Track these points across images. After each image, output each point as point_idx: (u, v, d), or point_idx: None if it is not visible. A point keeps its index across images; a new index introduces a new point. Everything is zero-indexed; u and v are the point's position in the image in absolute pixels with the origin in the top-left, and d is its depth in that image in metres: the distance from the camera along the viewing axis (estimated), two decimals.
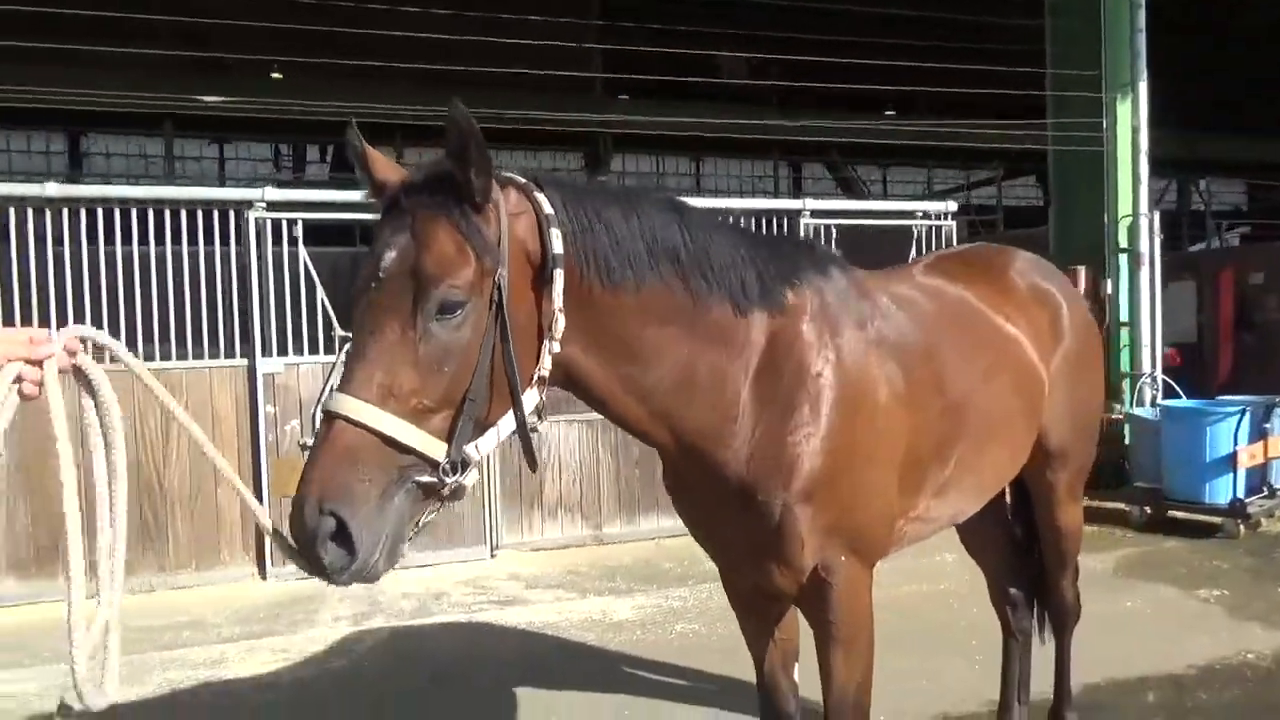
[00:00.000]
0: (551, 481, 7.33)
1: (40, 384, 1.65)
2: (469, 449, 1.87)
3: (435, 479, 1.83)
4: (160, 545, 6.35)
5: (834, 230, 7.99)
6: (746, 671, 4.01)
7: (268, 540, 6.34)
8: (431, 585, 6.38)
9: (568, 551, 7.14)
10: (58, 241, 6.27)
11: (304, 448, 6.52)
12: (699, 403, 2.26)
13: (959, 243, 8.60)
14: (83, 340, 1.74)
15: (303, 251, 6.63)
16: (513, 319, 1.92)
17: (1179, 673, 4.66)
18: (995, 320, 2.95)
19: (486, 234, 1.89)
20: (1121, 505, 7.95)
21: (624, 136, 22.18)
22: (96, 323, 6.15)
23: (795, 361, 2.36)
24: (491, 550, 7.07)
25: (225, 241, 6.59)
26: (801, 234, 7.86)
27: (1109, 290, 9.40)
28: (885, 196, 25.33)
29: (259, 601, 6.10)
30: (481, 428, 1.90)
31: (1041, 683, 3.86)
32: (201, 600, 6.10)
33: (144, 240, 6.38)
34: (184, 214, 6.46)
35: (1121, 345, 9.48)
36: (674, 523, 7.22)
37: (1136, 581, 6.25)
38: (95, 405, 1.73)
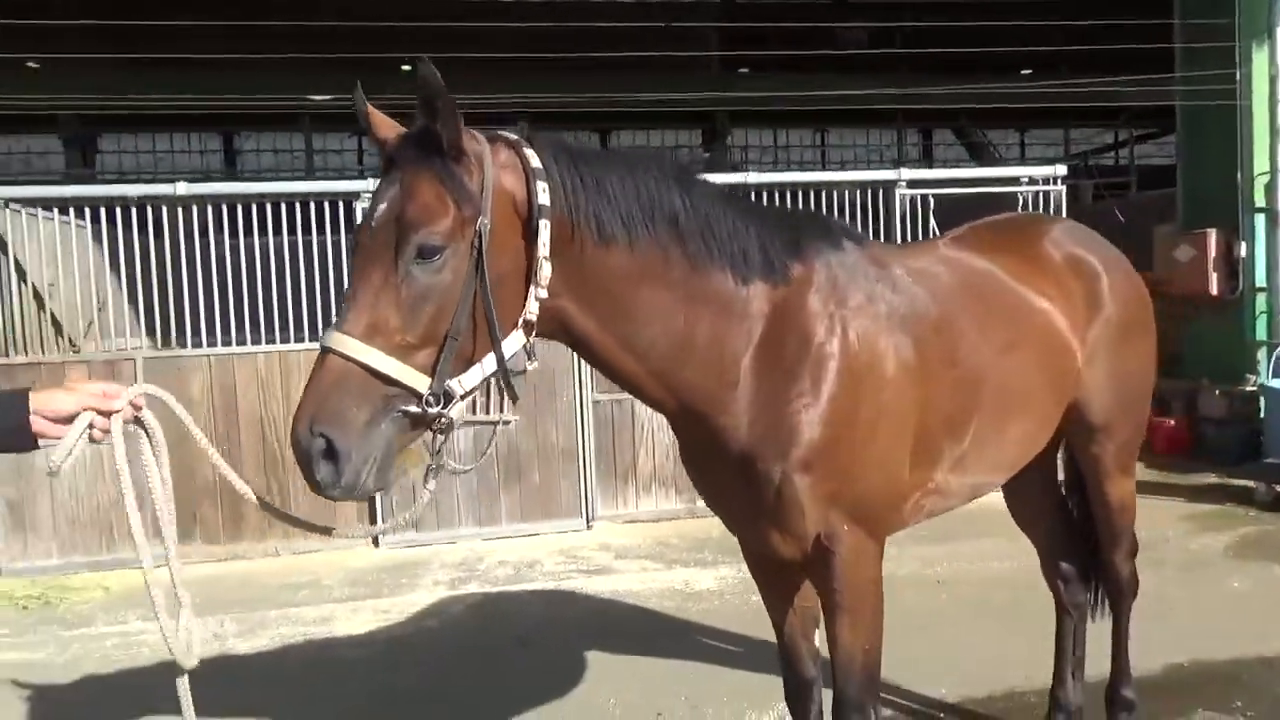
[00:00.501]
0: (646, 455, 7.51)
1: (107, 431, 1.92)
2: (451, 383, 2.01)
3: (420, 409, 1.99)
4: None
5: (931, 201, 7.80)
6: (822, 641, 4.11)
7: (380, 511, 6.85)
8: (527, 554, 6.69)
9: (660, 524, 7.31)
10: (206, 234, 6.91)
11: None
12: (696, 366, 2.36)
13: (1068, 209, 8.30)
14: (147, 395, 2.00)
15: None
16: (497, 265, 2.05)
17: (1274, 656, 4.44)
18: (1019, 291, 2.91)
19: (467, 184, 2.02)
20: (1249, 482, 7.50)
21: (744, 111, 22.02)
22: (240, 307, 7.06)
23: (799, 332, 2.43)
24: (587, 522, 7.32)
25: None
26: (899, 206, 7.76)
27: (1242, 253, 8.82)
28: (1023, 161, 24.25)
29: (369, 566, 6.55)
30: (465, 364, 2.04)
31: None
32: (319, 564, 6.60)
33: (291, 230, 6.91)
34: (327, 205, 6.96)
35: (1257, 312, 8.89)
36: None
37: (1248, 562, 5.93)
38: (152, 447, 1.98)
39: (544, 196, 2.11)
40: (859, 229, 7.65)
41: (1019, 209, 7.93)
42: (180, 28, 13.11)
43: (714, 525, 7.11)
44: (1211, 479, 8.11)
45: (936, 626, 5.04)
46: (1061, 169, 8.17)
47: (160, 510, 1.99)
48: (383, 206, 2.02)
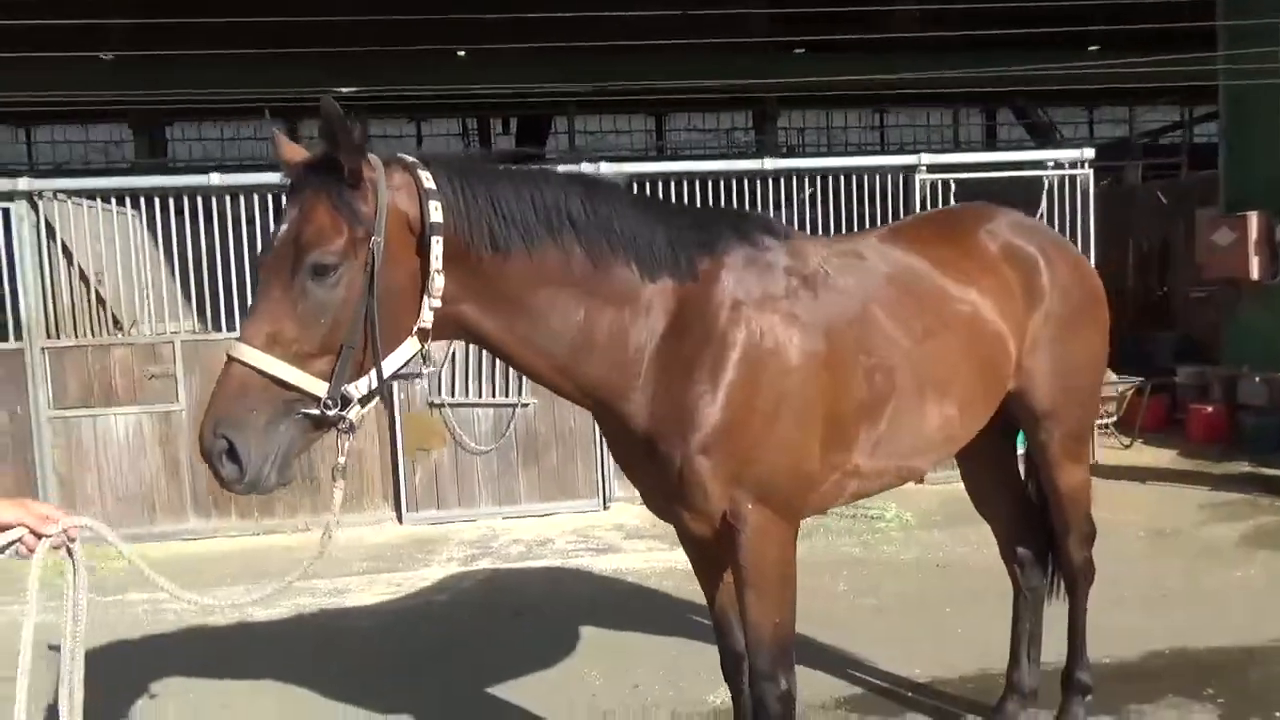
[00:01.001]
0: None
1: (33, 550, 1.95)
2: (348, 388, 2.20)
3: (319, 412, 2.18)
4: (313, 490, 7.22)
5: (953, 185, 7.76)
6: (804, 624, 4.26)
7: (404, 496, 7.13)
8: (542, 533, 6.90)
9: None
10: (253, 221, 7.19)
11: (432, 406, 7.21)
12: (599, 360, 2.52)
13: (1109, 192, 8.16)
14: (81, 527, 2.01)
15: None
16: (392, 279, 2.23)
17: (1258, 645, 4.41)
18: (942, 281, 2.98)
19: (360, 208, 2.20)
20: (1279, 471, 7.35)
21: (798, 91, 21.80)
22: None
23: (702, 325, 2.57)
24: (604, 502, 7.50)
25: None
26: (918, 192, 7.74)
27: None
28: (1091, 141, 23.59)
29: (390, 542, 6.84)
30: (359, 371, 2.23)
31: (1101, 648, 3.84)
32: (343, 540, 6.89)
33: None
34: None
35: None
36: None
37: (1260, 551, 5.84)
38: (74, 578, 2.00)
39: (436, 214, 2.28)
40: (880, 213, 7.71)
41: (1045, 193, 7.86)
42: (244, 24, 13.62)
43: None
44: (1245, 467, 7.95)
45: (929, 609, 5.11)
46: (1089, 152, 8.05)
47: (65, 638, 2.01)
48: (284, 227, 2.22)
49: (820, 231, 7.59)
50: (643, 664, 4.49)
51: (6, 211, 6.80)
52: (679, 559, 6.13)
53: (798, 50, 20.11)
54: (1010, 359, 3.10)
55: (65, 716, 1.99)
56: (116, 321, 7.43)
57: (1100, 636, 4.30)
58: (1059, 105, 23.82)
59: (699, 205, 7.28)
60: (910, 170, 7.84)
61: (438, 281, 2.29)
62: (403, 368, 2.35)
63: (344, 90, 16.98)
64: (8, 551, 1.95)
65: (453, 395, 7.18)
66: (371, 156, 2.29)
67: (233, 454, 2.13)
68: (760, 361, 2.57)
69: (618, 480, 7.57)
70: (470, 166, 2.47)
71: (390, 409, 7.21)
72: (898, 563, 5.95)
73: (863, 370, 2.76)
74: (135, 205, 7.28)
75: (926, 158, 7.89)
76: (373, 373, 2.25)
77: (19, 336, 6.88)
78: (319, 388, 2.18)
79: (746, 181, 7.63)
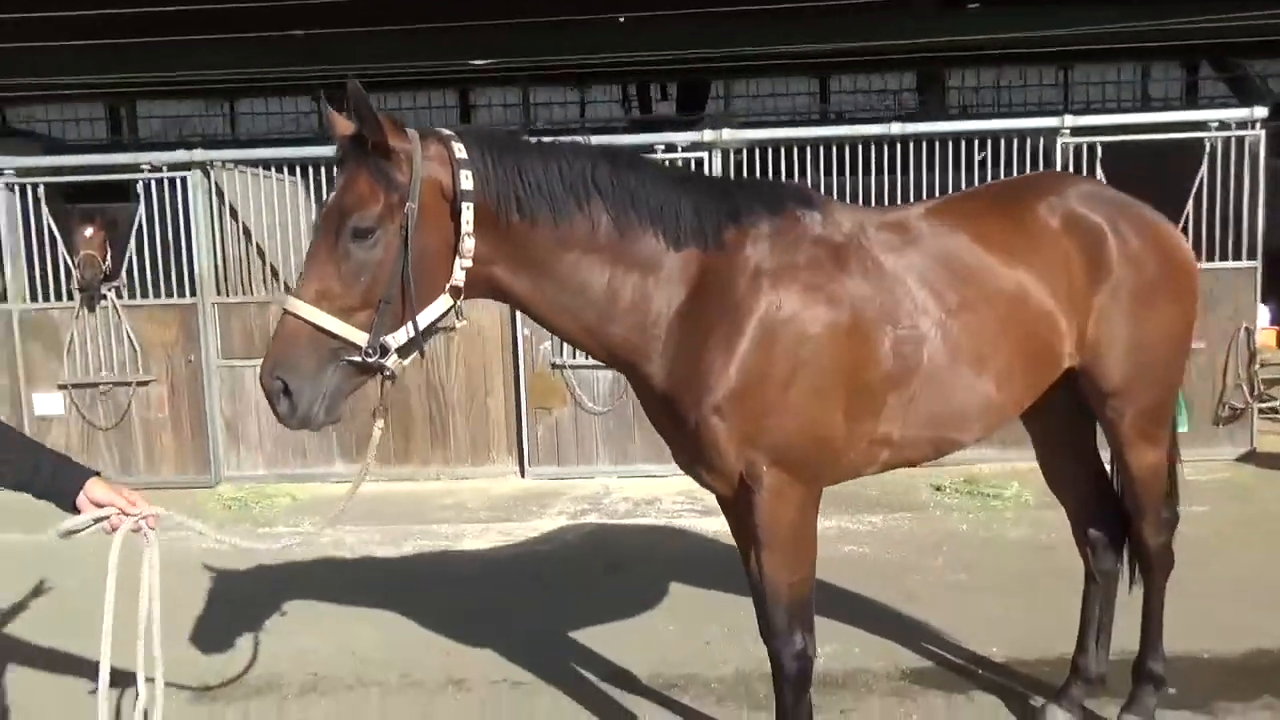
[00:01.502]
0: None
1: (116, 528, 2.30)
2: (387, 339, 2.45)
3: (361, 359, 2.44)
4: (445, 443, 7.70)
5: (1099, 150, 7.29)
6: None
7: (525, 450, 7.49)
8: (652, 491, 7.10)
9: None
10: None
11: (554, 366, 7.52)
12: (623, 323, 2.66)
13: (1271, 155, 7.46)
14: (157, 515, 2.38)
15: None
16: (426, 241, 2.45)
17: None
18: (983, 256, 2.90)
19: (395, 176, 2.42)
20: None
21: (968, 50, 20.72)
22: None
23: (723, 291, 2.65)
24: None
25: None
26: (1059, 156, 7.33)
27: None
28: None
29: (510, 494, 7.22)
30: (398, 323, 2.47)
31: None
32: (469, 490, 7.35)
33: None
34: None
35: None
36: None
37: None
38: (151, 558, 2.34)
39: (467, 183, 2.48)
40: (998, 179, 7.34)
41: (1207, 156, 7.28)
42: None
43: None
44: None
45: (1023, 589, 4.96)
46: (1260, 110, 7.35)
47: (141, 610, 2.35)
48: (331, 195, 2.48)
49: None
50: (718, 621, 4.60)
51: (184, 180, 7.56)
52: None
53: (972, 5, 19.10)
54: (1063, 336, 2.99)
55: (141, 673, 2.37)
56: (277, 279, 8.12)
57: (1204, 630, 4.13)
58: (1260, 58, 21.57)
59: (766, 176, 7.22)
60: (1051, 133, 7.42)
61: (468, 244, 2.49)
62: (437, 321, 2.56)
63: (511, 60, 17.66)
64: (96, 526, 2.31)
65: (574, 357, 7.44)
66: (409, 130, 2.50)
67: (287, 393, 2.42)
68: (776, 329, 2.63)
69: None
70: (501, 139, 2.64)
71: (515, 369, 7.60)
72: (1003, 541, 5.78)
73: (890, 341, 2.75)
74: (301, 173, 7.86)
75: (1069, 119, 7.42)
76: (409, 324, 2.48)
77: (193, 293, 7.65)
78: (360, 338, 2.44)
79: (866, 148, 7.45)
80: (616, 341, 2.71)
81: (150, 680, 2.38)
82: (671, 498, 6.94)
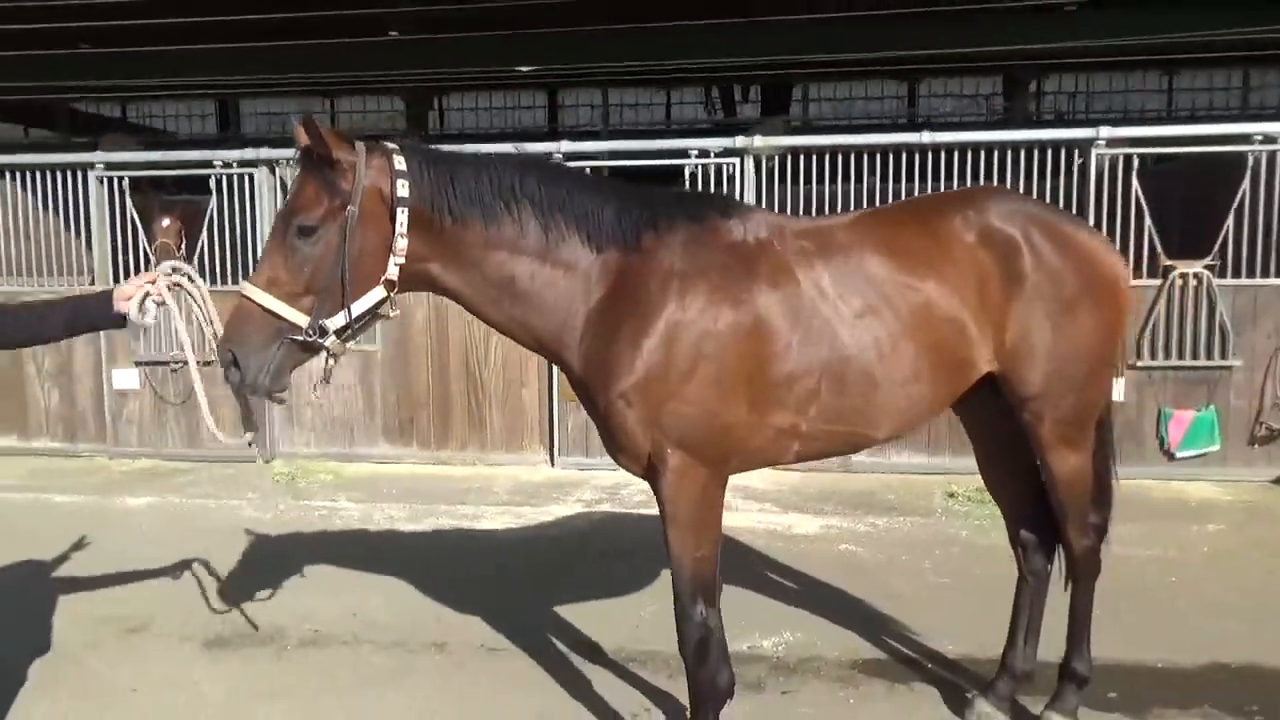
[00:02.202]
0: None
1: (159, 297, 3.01)
2: (325, 322, 2.83)
3: (303, 338, 2.82)
4: (481, 431, 8.11)
5: (1135, 161, 7.22)
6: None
7: (556, 440, 7.83)
8: None
9: (812, 474, 7.59)
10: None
11: None
12: (549, 318, 2.98)
13: None
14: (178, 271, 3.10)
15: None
16: (364, 240, 2.83)
17: None
18: (892, 267, 3.09)
19: (339, 184, 2.79)
20: None
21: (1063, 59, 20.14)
22: None
23: (635, 290, 2.94)
24: None
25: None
26: (1093, 168, 7.30)
27: None
28: None
29: (536, 481, 7.58)
30: (336, 308, 2.84)
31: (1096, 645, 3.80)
32: (500, 475, 7.73)
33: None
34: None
35: None
36: (923, 459, 7.39)
37: None
38: (200, 297, 3.10)
39: (403, 191, 2.84)
40: (1050, 194, 7.33)
41: (1249, 170, 7.15)
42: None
43: (860, 481, 7.50)
44: None
45: (1000, 595, 4.91)
46: None
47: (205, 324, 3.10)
48: (286, 199, 2.86)
49: None
50: None
51: (252, 176, 8.16)
52: (783, 522, 6.41)
53: (1068, 7, 18.63)
54: (974, 343, 3.15)
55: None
56: None
57: (1169, 641, 4.27)
58: None
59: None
60: (1086, 144, 7.39)
61: (401, 243, 2.84)
62: (371, 310, 2.91)
63: (596, 65, 18.00)
64: (149, 305, 3.00)
65: None
66: (358, 144, 2.86)
67: (236, 364, 2.82)
68: (681, 326, 2.89)
69: None
70: (438, 153, 2.98)
71: (549, 363, 7.92)
72: (998, 549, 5.75)
73: (794, 342, 2.98)
74: None
75: (1105, 130, 7.38)
76: (345, 311, 2.86)
77: None
78: (302, 320, 2.82)
79: (897, 155, 7.55)
80: (541, 333, 3.02)
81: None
82: None
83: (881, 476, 7.57)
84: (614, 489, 7.31)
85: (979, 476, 7.15)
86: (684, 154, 7.74)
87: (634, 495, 7.12)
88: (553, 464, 8.04)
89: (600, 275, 2.97)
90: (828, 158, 7.65)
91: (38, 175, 8.46)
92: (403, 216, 2.84)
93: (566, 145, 7.91)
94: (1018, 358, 3.22)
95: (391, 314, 2.98)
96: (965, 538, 6.06)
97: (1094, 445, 3.55)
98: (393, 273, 2.88)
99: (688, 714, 3.31)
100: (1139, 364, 7.32)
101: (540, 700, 3.93)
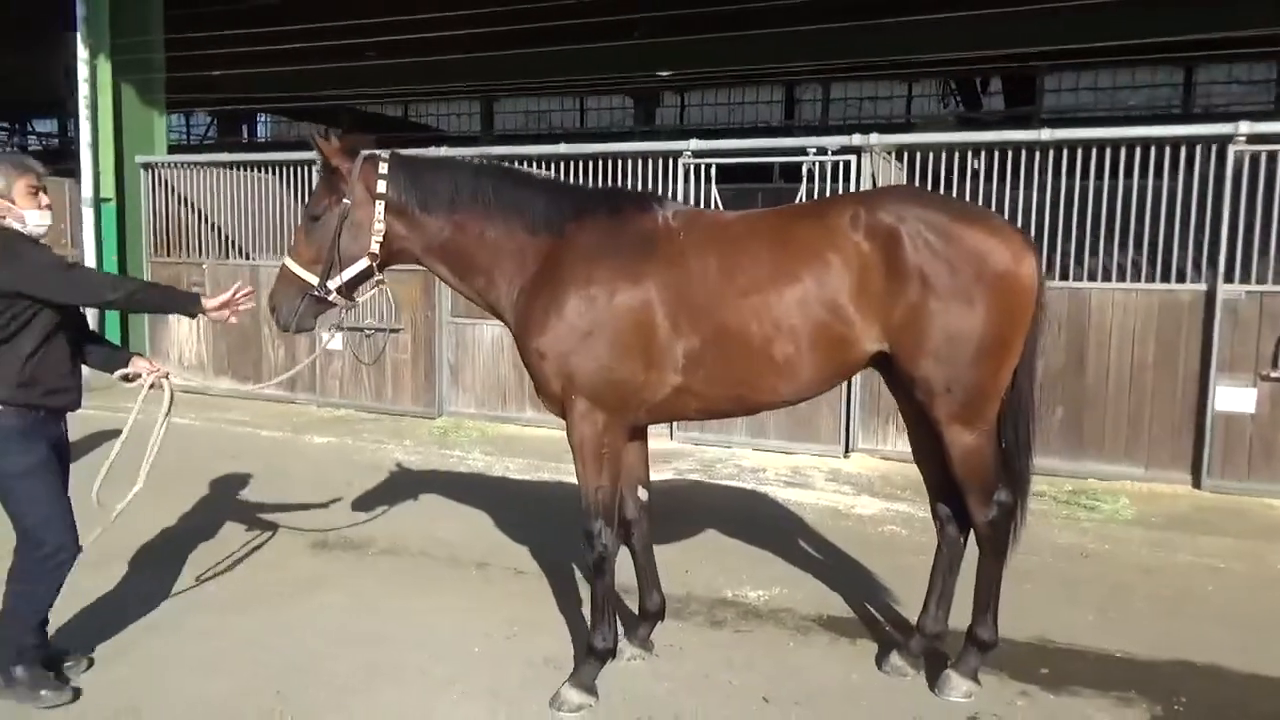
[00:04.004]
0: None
1: (153, 385, 3.91)
2: (330, 282, 3.78)
3: (319, 294, 3.79)
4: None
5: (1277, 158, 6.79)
6: (884, 566, 5.13)
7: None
8: (764, 464, 7.86)
9: (906, 464, 7.80)
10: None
11: None
12: (496, 286, 3.80)
13: None
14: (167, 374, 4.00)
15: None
16: (356, 223, 3.74)
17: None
18: (780, 253, 3.55)
19: (339, 184, 3.72)
20: None
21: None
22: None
23: (554, 267, 3.67)
24: (846, 450, 8.15)
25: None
26: (1231, 165, 6.94)
27: None
28: None
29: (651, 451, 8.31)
30: (336, 272, 3.78)
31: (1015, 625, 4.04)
32: None
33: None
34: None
35: None
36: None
37: None
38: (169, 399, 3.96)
39: (382, 188, 3.73)
40: (1183, 190, 7.05)
41: None
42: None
43: None
44: None
45: (1014, 581, 5.12)
46: None
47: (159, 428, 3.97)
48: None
49: (1097, 217, 7.31)
50: (716, 563, 5.40)
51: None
52: (848, 503, 6.80)
53: None
54: (855, 326, 3.53)
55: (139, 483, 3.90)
56: None
57: (1145, 635, 4.48)
58: None
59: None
60: (1224, 140, 7.03)
61: (378, 226, 3.75)
62: (360, 274, 3.83)
63: (837, 60, 18.19)
64: (140, 381, 3.89)
65: None
66: (357, 154, 3.77)
67: (274, 311, 3.84)
68: (584, 298, 3.57)
69: (862, 431, 8.16)
70: (416, 161, 3.85)
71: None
72: (1039, 541, 5.87)
73: (683, 313, 3.56)
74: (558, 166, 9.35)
75: (1245, 126, 6.98)
76: (341, 274, 3.80)
77: None
78: (314, 280, 3.80)
79: (1029, 153, 7.53)
80: (492, 300, 3.81)
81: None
82: (776, 469, 7.67)
83: None
84: (711, 462, 7.92)
85: (1086, 480, 7.19)
86: (803, 151, 8.16)
87: (725, 469, 7.71)
88: (672, 437, 8.75)
89: (534, 255, 3.71)
90: (944, 155, 7.79)
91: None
92: (380, 207, 3.73)
93: (696, 144, 8.58)
94: (904, 342, 3.56)
95: (378, 278, 3.91)
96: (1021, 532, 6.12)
97: (1009, 431, 3.81)
98: (374, 248, 3.77)
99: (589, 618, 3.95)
100: (1273, 374, 6.91)
101: (534, 612, 4.69)
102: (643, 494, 4.19)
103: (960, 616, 4.00)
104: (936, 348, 3.53)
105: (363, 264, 3.81)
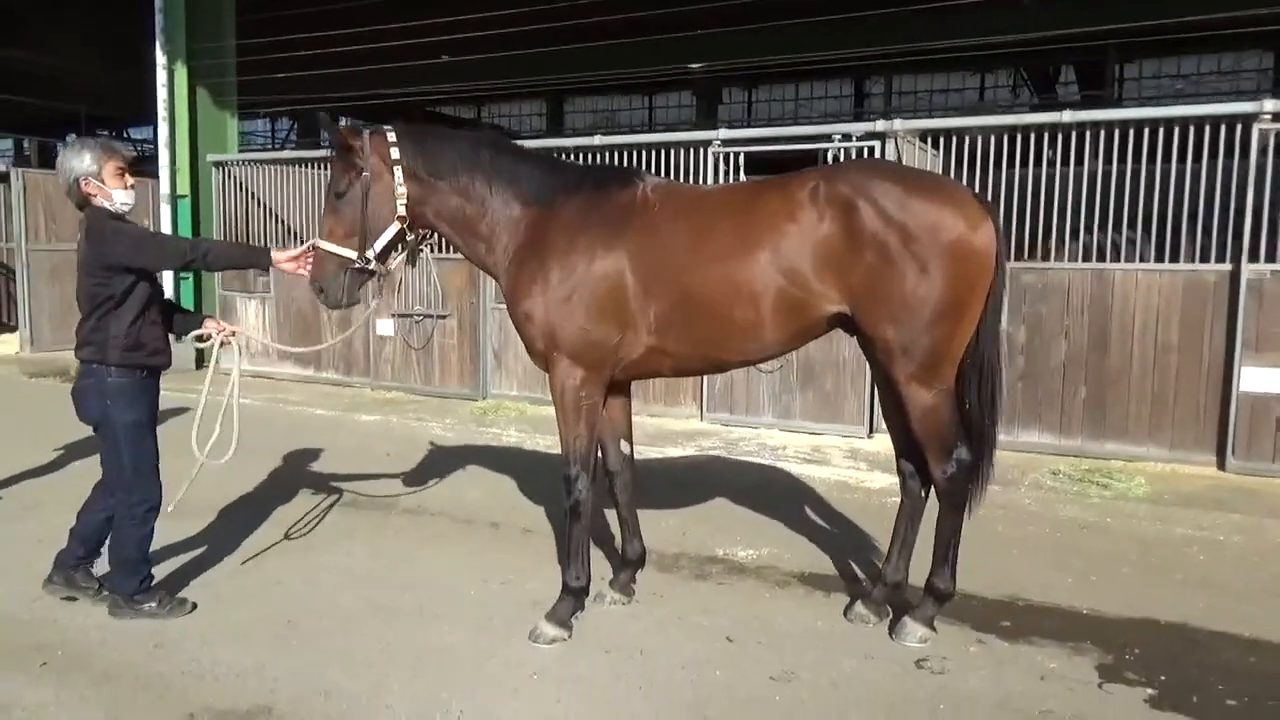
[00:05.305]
0: None
1: (223, 342, 4.40)
2: (368, 253, 4.07)
3: (359, 268, 4.10)
4: (646, 386, 9.25)
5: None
6: (882, 533, 5.10)
7: (705, 394, 8.80)
8: (786, 442, 8.06)
9: None
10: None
11: None
12: (495, 251, 4.14)
13: None
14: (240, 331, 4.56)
15: None
16: (378, 192, 4.05)
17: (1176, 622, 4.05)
18: (746, 222, 3.81)
19: (355, 160, 4.03)
20: None
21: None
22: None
23: (541, 236, 4.00)
24: (870, 430, 8.29)
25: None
26: (1255, 144, 6.89)
27: None
28: None
29: (680, 430, 8.59)
30: (373, 241, 4.07)
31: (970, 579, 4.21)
32: (654, 424, 8.80)
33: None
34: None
35: None
36: (1052, 440, 7.46)
37: None
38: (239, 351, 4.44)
39: (396, 155, 4.06)
40: (1207, 171, 7.01)
41: None
42: None
43: None
44: None
45: (999, 551, 5.27)
46: None
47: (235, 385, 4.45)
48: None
49: (1111, 196, 7.33)
50: (715, 525, 5.68)
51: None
52: (856, 478, 6.99)
53: None
54: (813, 289, 3.76)
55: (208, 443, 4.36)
56: None
57: (1123, 596, 4.62)
58: None
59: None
60: (1248, 120, 6.98)
61: (400, 190, 4.07)
62: (396, 237, 4.13)
63: (886, 48, 18.19)
64: (213, 340, 4.38)
65: None
66: (364, 132, 4.13)
67: (322, 291, 4.17)
68: (564, 265, 3.89)
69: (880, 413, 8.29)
70: (422, 130, 4.18)
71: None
72: (1044, 517, 5.98)
73: (654, 279, 3.85)
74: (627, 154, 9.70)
75: (1270, 104, 6.91)
76: (377, 241, 4.09)
77: None
78: (353, 254, 4.10)
79: (1051, 136, 7.58)
80: (488, 263, 4.16)
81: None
82: (797, 448, 7.87)
83: (1004, 454, 7.67)
84: (736, 440, 8.16)
85: (1106, 461, 7.23)
86: (828, 138, 8.35)
87: (749, 446, 7.94)
88: (701, 418, 9.01)
89: (526, 224, 4.05)
90: (967, 139, 7.89)
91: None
92: (399, 172, 4.06)
93: (724, 133, 8.83)
94: (863, 305, 3.77)
95: (410, 237, 4.19)
96: (1024, 506, 6.23)
97: (971, 391, 3.98)
98: (401, 210, 4.08)
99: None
100: None
101: (532, 564, 5.03)
102: (625, 447, 4.49)
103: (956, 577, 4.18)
104: (894, 312, 3.73)
105: (394, 228, 4.10)
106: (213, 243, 4.42)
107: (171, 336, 4.38)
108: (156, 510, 4.23)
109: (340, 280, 4.10)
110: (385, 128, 4.19)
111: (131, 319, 4.10)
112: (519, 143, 4.49)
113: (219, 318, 4.62)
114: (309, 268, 4.23)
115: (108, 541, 4.30)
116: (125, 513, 4.18)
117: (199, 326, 4.47)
